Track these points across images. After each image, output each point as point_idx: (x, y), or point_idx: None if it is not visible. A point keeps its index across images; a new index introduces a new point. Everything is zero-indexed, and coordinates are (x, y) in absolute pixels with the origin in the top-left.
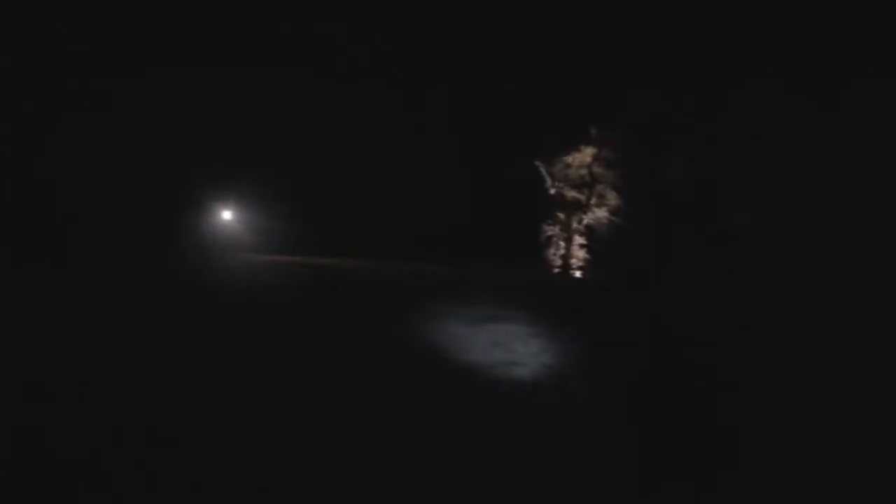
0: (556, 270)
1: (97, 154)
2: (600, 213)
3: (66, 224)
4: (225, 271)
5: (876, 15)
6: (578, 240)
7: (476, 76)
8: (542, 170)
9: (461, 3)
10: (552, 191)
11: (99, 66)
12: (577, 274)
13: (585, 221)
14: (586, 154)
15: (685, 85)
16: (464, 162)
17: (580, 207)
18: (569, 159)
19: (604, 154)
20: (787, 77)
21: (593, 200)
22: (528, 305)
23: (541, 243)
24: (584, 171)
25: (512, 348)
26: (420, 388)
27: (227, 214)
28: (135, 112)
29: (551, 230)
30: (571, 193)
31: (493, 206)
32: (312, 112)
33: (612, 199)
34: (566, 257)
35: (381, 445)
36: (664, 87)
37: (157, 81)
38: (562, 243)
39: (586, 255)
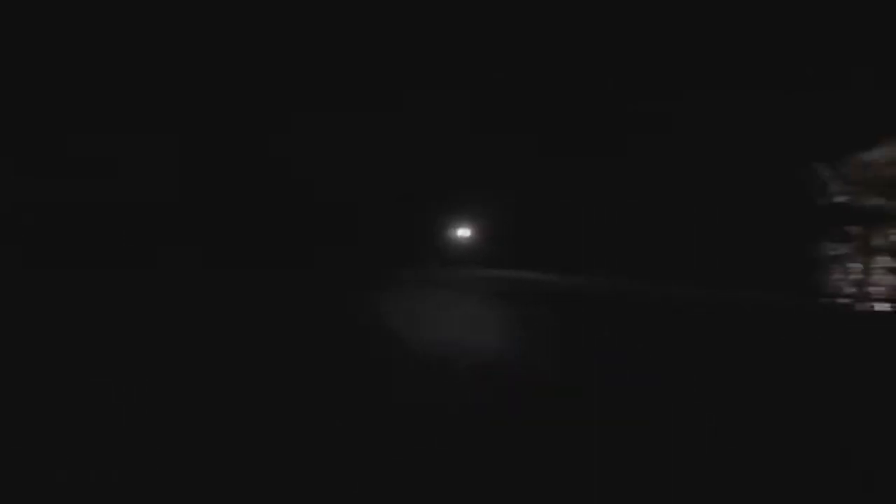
0: (844, 300)
1: (360, 161)
2: None
3: (314, 227)
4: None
5: None
6: (883, 261)
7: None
8: (825, 172)
9: None
10: (840, 199)
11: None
12: (880, 305)
13: None
14: None
15: None
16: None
17: (888, 218)
18: (870, 156)
19: None
20: None
21: None
22: None
23: (816, 264)
24: (894, 171)
25: None
26: None
27: (464, 231)
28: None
29: (837, 249)
30: (874, 200)
31: (746, 219)
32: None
33: None
34: (862, 283)
35: None
36: None
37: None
38: (856, 265)
39: None
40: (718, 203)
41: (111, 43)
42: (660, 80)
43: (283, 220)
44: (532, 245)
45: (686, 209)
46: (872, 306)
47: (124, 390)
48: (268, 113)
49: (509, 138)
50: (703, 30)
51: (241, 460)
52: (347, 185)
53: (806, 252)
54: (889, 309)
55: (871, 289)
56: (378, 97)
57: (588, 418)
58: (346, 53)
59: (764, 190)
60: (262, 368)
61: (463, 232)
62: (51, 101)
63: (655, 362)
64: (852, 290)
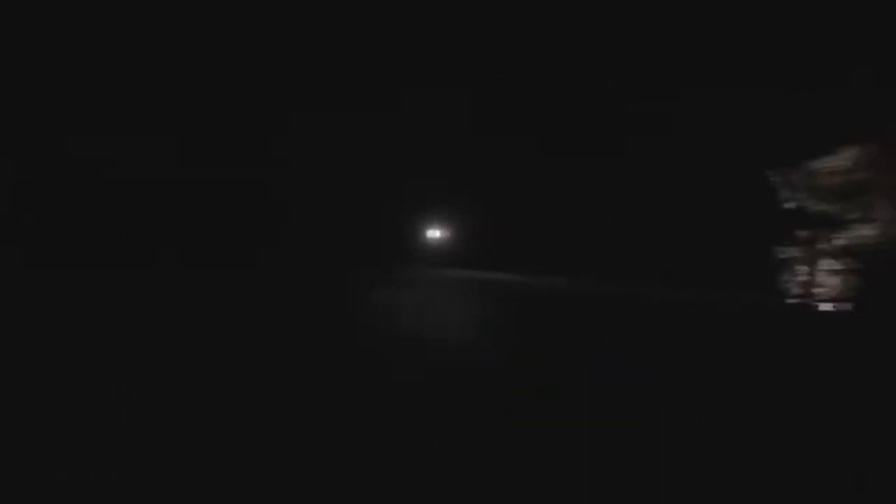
0: (792, 300)
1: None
2: (865, 231)
3: (283, 229)
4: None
5: None
6: (829, 264)
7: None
8: (779, 180)
9: None
10: (791, 205)
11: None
12: (825, 305)
13: (841, 241)
14: (845, 157)
15: None
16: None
17: (834, 224)
18: (820, 165)
19: (876, 155)
20: None
21: (854, 215)
22: None
23: (771, 266)
24: (842, 179)
25: None
26: None
27: (436, 232)
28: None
29: (789, 252)
30: (820, 206)
31: (711, 223)
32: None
33: (887, 211)
34: (808, 284)
35: None
36: None
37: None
38: (804, 267)
39: (842, 283)
40: (683, 207)
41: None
42: (624, 87)
43: (252, 221)
44: (505, 246)
45: (655, 213)
46: (818, 306)
47: (114, 390)
48: (245, 113)
49: (484, 139)
50: (661, 44)
51: (232, 451)
52: (318, 186)
53: (762, 254)
54: (832, 309)
55: (817, 290)
56: (355, 98)
57: (562, 417)
58: (321, 54)
59: (722, 195)
60: (244, 365)
61: (436, 233)
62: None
63: (625, 360)
64: (800, 290)
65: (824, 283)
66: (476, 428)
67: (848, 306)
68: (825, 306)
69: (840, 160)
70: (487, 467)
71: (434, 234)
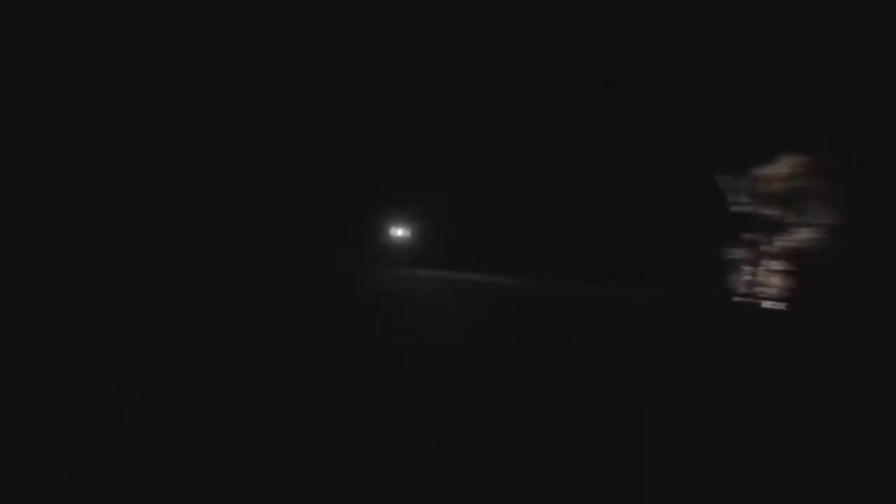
0: (739, 298)
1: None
2: (805, 235)
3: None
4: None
5: None
6: (773, 265)
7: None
8: (727, 186)
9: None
10: (738, 209)
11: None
12: (770, 304)
13: (783, 244)
14: (786, 164)
15: None
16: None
17: (776, 227)
18: (761, 171)
19: (812, 163)
20: None
21: (793, 219)
22: None
23: (721, 266)
24: (782, 186)
25: None
26: None
27: (399, 231)
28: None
29: (736, 253)
30: (764, 211)
31: (667, 226)
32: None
33: (823, 216)
34: (754, 284)
35: None
36: None
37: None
38: (749, 268)
39: (784, 283)
40: (641, 209)
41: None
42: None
43: (212, 222)
44: (468, 246)
45: (623, 214)
46: (763, 304)
47: (113, 390)
48: (213, 114)
49: (450, 138)
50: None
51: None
52: (281, 185)
53: (714, 255)
54: (776, 307)
55: (762, 289)
56: (318, 98)
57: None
58: (286, 56)
59: (676, 199)
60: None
61: (399, 232)
62: None
63: (582, 358)
64: (746, 289)
65: (767, 282)
66: (457, 428)
67: (785, 304)
68: (768, 304)
69: (781, 168)
70: (467, 467)
71: (397, 232)
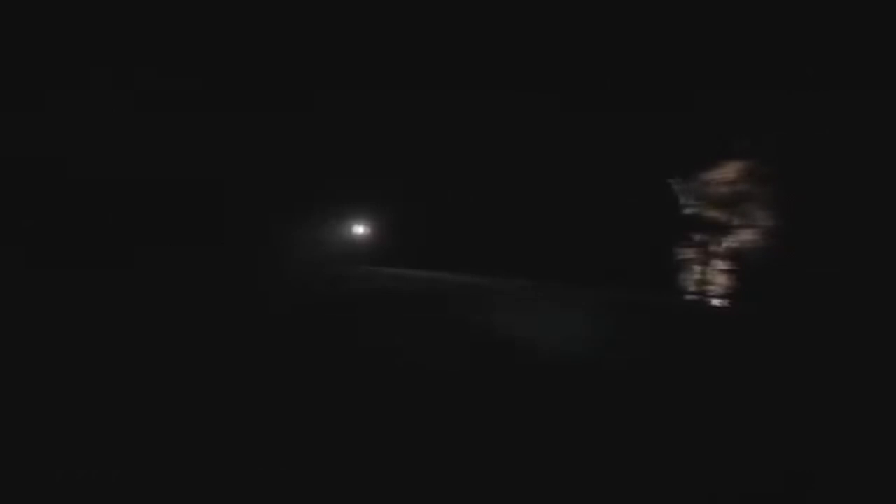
0: (689, 296)
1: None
2: (747, 236)
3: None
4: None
5: None
6: (719, 264)
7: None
8: (676, 188)
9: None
10: (687, 211)
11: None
12: (717, 301)
13: (728, 244)
14: (730, 169)
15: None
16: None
17: (722, 229)
18: (709, 176)
19: (753, 168)
20: None
21: (737, 221)
22: None
23: (673, 267)
24: (728, 189)
25: None
26: None
27: (360, 228)
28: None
29: (685, 253)
30: (711, 213)
31: (621, 226)
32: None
33: (762, 219)
34: (702, 283)
35: None
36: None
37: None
38: (698, 268)
39: (730, 282)
40: (595, 211)
41: None
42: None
43: (171, 218)
44: (430, 244)
45: (573, 215)
46: (710, 302)
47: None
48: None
49: (410, 133)
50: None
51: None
52: (235, 185)
53: (665, 255)
54: (723, 304)
55: (710, 287)
56: (271, 95)
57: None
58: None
59: (629, 201)
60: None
61: (359, 229)
62: None
63: (542, 356)
64: (695, 288)
65: (715, 281)
66: (454, 427)
67: (728, 301)
68: (716, 301)
69: (726, 172)
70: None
71: (358, 230)
